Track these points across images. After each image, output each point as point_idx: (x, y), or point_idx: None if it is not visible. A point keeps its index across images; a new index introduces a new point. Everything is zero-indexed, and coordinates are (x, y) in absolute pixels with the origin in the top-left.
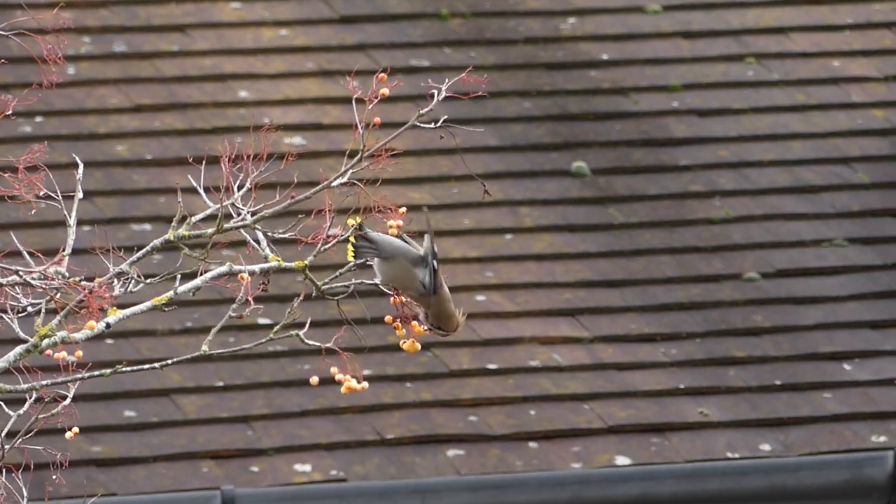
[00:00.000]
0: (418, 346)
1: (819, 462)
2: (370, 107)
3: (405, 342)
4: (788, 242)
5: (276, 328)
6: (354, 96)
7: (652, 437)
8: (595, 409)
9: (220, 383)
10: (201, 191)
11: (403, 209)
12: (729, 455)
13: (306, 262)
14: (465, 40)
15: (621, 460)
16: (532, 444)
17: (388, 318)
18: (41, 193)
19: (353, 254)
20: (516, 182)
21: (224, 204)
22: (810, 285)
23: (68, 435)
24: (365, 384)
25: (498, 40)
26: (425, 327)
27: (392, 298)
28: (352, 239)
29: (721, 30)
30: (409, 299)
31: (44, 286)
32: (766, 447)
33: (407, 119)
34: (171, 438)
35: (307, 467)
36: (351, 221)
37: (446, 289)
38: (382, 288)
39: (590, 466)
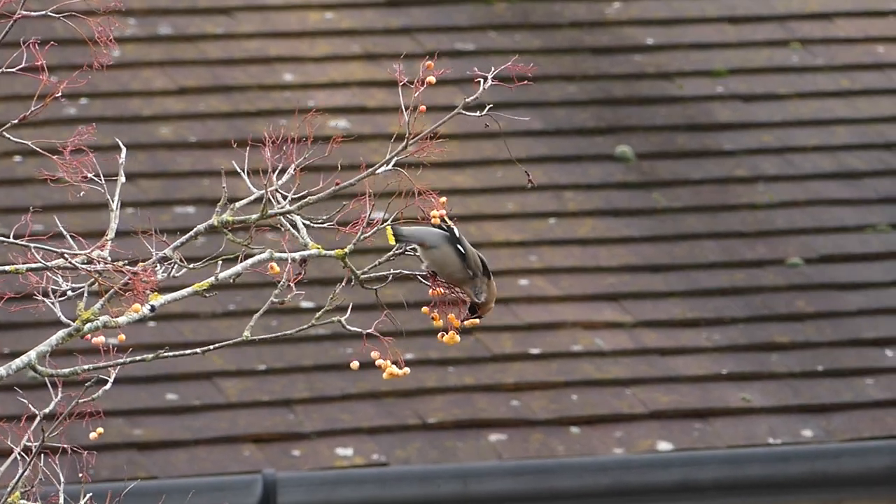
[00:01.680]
0: (458, 338)
1: (861, 448)
2: (416, 94)
3: (444, 335)
4: (832, 228)
5: (318, 314)
6: (402, 82)
7: (694, 423)
8: (637, 395)
9: (262, 367)
10: (245, 176)
11: (444, 199)
12: (771, 441)
13: (346, 249)
14: (510, 24)
15: (663, 446)
16: (574, 429)
17: (425, 309)
18: (86, 177)
19: (392, 237)
20: (560, 166)
21: (268, 190)
22: (853, 271)
23: (92, 436)
24: (406, 370)
25: (543, 24)
26: (462, 319)
27: (431, 290)
28: (389, 229)
29: (766, 15)
30: (454, 286)
31: (87, 269)
32: (807, 433)
33: (452, 103)
34: (212, 422)
35: (349, 451)
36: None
37: (490, 278)
38: (421, 280)
39: (632, 452)
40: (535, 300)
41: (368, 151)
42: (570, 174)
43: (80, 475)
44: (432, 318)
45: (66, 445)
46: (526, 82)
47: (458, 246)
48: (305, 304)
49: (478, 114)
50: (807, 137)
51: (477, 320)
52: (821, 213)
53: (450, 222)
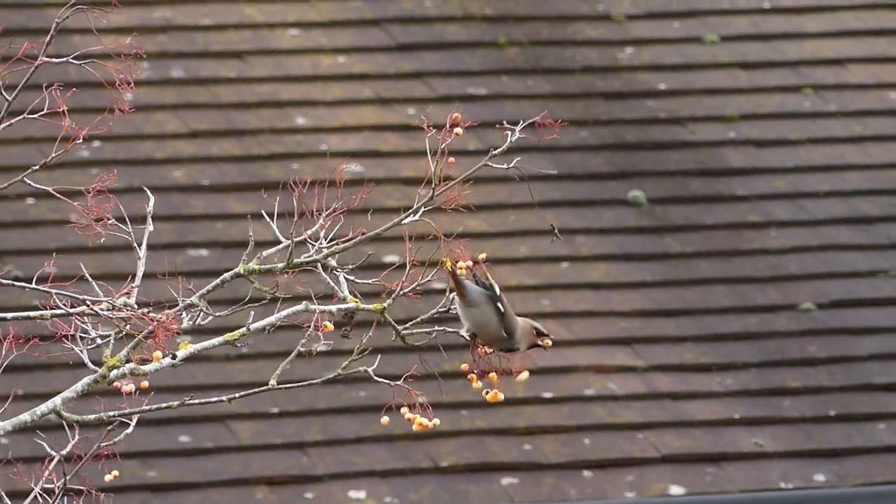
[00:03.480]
0: (501, 396)
1: (873, 493)
2: (443, 145)
3: (487, 392)
4: (844, 273)
5: (344, 364)
6: (429, 133)
7: (706, 467)
8: (649, 439)
9: (276, 409)
10: (274, 226)
11: (483, 255)
12: (783, 485)
13: (385, 304)
14: (522, 69)
15: (675, 489)
16: (586, 473)
17: (463, 366)
18: (109, 220)
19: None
20: (573, 210)
21: (294, 240)
22: (865, 316)
23: (108, 478)
24: (436, 420)
25: (555, 69)
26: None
27: (473, 350)
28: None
29: (778, 60)
30: (491, 349)
31: (112, 317)
32: (820, 477)
33: (464, 147)
34: (225, 464)
35: (361, 494)
36: (447, 259)
37: (516, 321)
38: (464, 338)
39: (644, 495)
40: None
41: (381, 196)
42: (582, 218)
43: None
44: (469, 379)
45: (86, 487)
46: (552, 129)
47: (499, 305)
48: (322, 348)
49: (505, 166)
50: (819, 183)
51: (524, 374)
52: (833, 258)
53: (491, 279)
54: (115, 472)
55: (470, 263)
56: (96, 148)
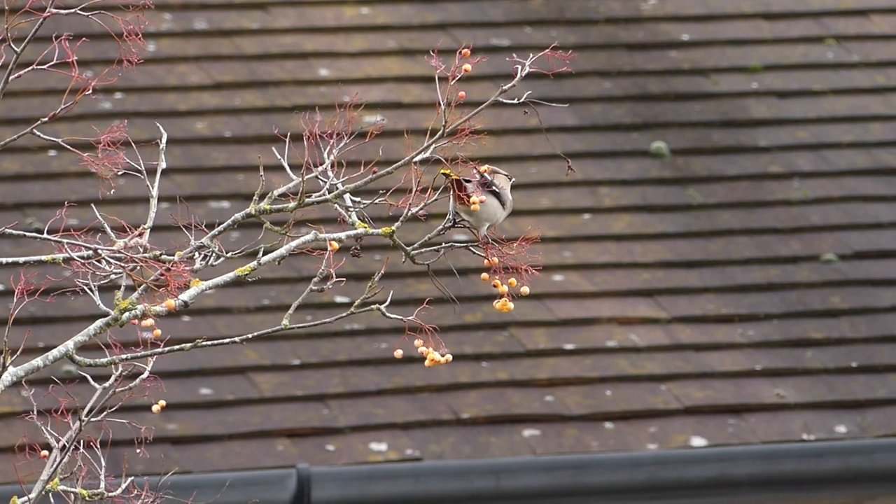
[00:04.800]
0: (511, 305)
1: (894, 444)
2: (452, 82)
3: (497, 301)
4: (866, 224)
5: (356, 302)
6: (437, 73)
7: (728, 419)
8: (672, 390)
9: (297, 361)
10: (285, 164)
11: (486, 166)
12: (805, 436)
13: (393, 227)
14: (545, 20)
15: (697, 441)
16: (608, 425)
17: (484, 276)
18: (121, 171)
19: (450, 175)
20: (595, 162)
21: (305, 178)
22: (888, 267)
23: (155, 408)
24: (449, 356)
25: (578, 20)
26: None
27: (487, 261)
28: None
29: (801, 11)
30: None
31: (123, 262)
32: (842, 429)
33: (486, 98)
34: (246, 416)
35: (383, 446)
36: (446, 170)
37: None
38: (473, 251)
39: (666, 447)
40: (569, 296)
41: (403, 147)
42: (605, 170)
43: (140, 448)
44: (493, 284)
45: (107, 436)
46: (563, 72)
47: (494, 189)
48: (340, 299)
49: (516, 101)
50: (842, 134)
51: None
52: (855, 209)
53: (480, 170)
54: (162, 402)
55: (489, 167)
56: (119, 100)
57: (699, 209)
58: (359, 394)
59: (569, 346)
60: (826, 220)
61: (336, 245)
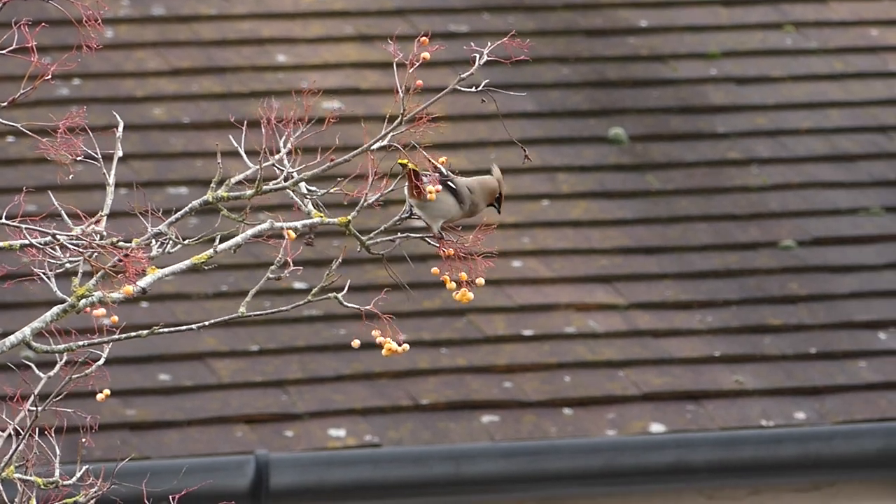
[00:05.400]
0: (470, 295)
1: (853, 431)
2: (410, 70)
3: (457, 293)
4: (825, 211)
5: (314, 290)
6: (395, 60)
7: (687, 405)
8: (630, 376)
9: (255, 347)
10: (242, 152)
11: (444, 158)
12: (763, 423)
13: (349, 217)
14: (504, 6)
15: (656, 427)
16: (567, 411)
17: (434, 270)
18: (79, 156)
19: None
20: (554, 148)
21: (263, 165)
22: (846, 254)
23: (99, 397)
24: (406, 346)
25: (537, 6)
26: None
27: (442, 251)
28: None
29: None
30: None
31: (80, 248)
32: (800, 415)
33: (445, 84)
34: (205, 402)
35: (341, 432)
36: (403, 160)
37: (470, 183)
38: (428, 241)
39: (624, 433)
40: (527, 282)
41: (361, 133)
42: (563, 156)
43: (83, 440)
44: (442, 279)
45: (62, 423)
46: (521, 59)
47: (450, 184)
48: (299, 286)
49: (473, 89)
50: (800, 120)
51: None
52: (814, 195)
53: (434, 190)
54: (107, 391)
55: (439, 188)
56: (76, 86)
57: (657, 195)
58: (317, 380)
59: (527, 333)
60: (784, 207)
61: (293, 235)
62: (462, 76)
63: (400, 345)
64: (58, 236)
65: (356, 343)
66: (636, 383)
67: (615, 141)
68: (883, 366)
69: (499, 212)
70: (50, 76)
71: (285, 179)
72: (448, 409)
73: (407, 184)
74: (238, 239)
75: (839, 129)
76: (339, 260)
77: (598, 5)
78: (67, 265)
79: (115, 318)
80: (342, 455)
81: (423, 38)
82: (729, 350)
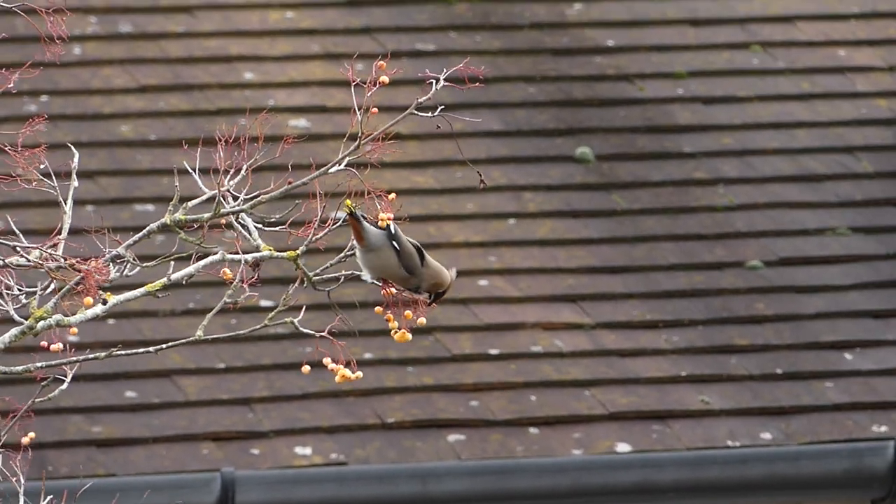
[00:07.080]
0: (409, 336)
1: (820, 451)
2: (369, 94)
3: (396, 332)
4: (791, 231)
5: (271, 314)
6: (354, 82)
7: (653, 424)
8: (596, 396)
9: (222, 365)
10: (196, 176)
11: (393, 195)
12: (730, 443)
13: (298, 251)
14: (470, 25)
15: (622, 447)
16: (533, 430)
17: (378, 309)
18: (41, 168)
19: (350, 210)
20: (520, 167)
21: (221, 190)
22: (813, 274)
23: (24, 440)
24: (359, 373)
25: (503, 25)
26: (427, 301)
27: (383, 291)
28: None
29: (727, 17)
30: (399, 288)
31: (40, 265)
32: (766, 435)
33: (411, 103)
34: (171, 420)
35: (308, 450)
36: (348, 202)
37: (427, 260)
38: (373, 282)
39: (591, 453)
40: (494, 301)
41: (327, 151)
42: (529, 175)
43: (48, 468)
44: (386, 318)
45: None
46: (479, 84)
47: (394, 243)
48: (264, 303)
49: (430, 114)
50: (767, 140)
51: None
52: (780, 215)
53: (387, 217)
54: (32, 434)
55: (391, 216)
56: (44, 102)
57: (624, 215)
58: (284, 398)
59: (494, 351)
60: (751, 227)
61: (229, 274)
62: (419, 101)
63: (353, 371)
64: (20, 256)
65: (306, 369)
66: (602, 403)
67: (582, 160)
68: (849, 386)
69: (430, 304)
70: (14, 89)
71: (233, 213)
72: (414, 428)
73: (351, 228)
74: (190, 269)
75: (806, 149)
76: (296, 285)
77: (564, 24)
78: (23, 299)
79: (75, 330)
80: (308, 473)
81: (381, 62)
82: (695, 370)
